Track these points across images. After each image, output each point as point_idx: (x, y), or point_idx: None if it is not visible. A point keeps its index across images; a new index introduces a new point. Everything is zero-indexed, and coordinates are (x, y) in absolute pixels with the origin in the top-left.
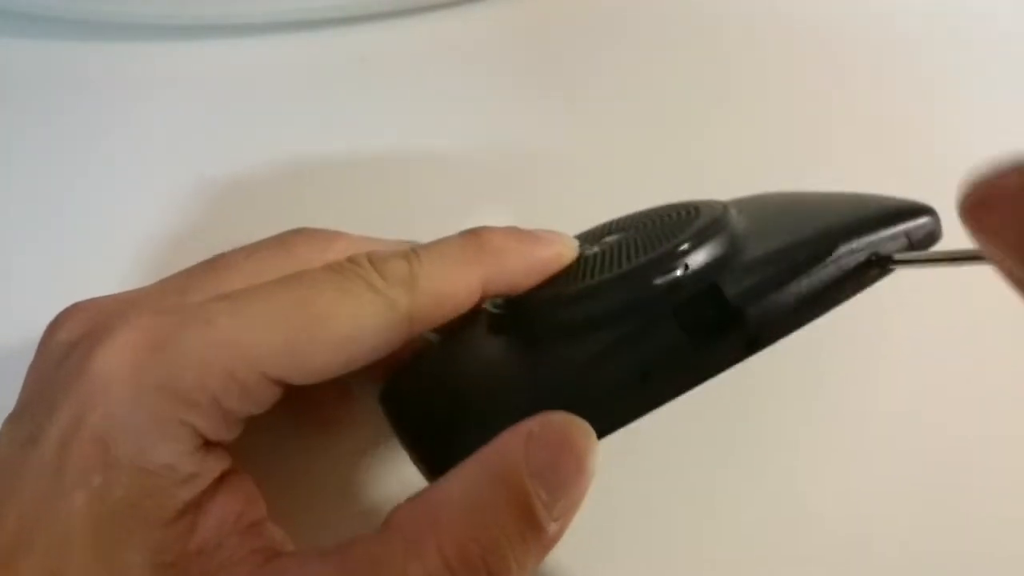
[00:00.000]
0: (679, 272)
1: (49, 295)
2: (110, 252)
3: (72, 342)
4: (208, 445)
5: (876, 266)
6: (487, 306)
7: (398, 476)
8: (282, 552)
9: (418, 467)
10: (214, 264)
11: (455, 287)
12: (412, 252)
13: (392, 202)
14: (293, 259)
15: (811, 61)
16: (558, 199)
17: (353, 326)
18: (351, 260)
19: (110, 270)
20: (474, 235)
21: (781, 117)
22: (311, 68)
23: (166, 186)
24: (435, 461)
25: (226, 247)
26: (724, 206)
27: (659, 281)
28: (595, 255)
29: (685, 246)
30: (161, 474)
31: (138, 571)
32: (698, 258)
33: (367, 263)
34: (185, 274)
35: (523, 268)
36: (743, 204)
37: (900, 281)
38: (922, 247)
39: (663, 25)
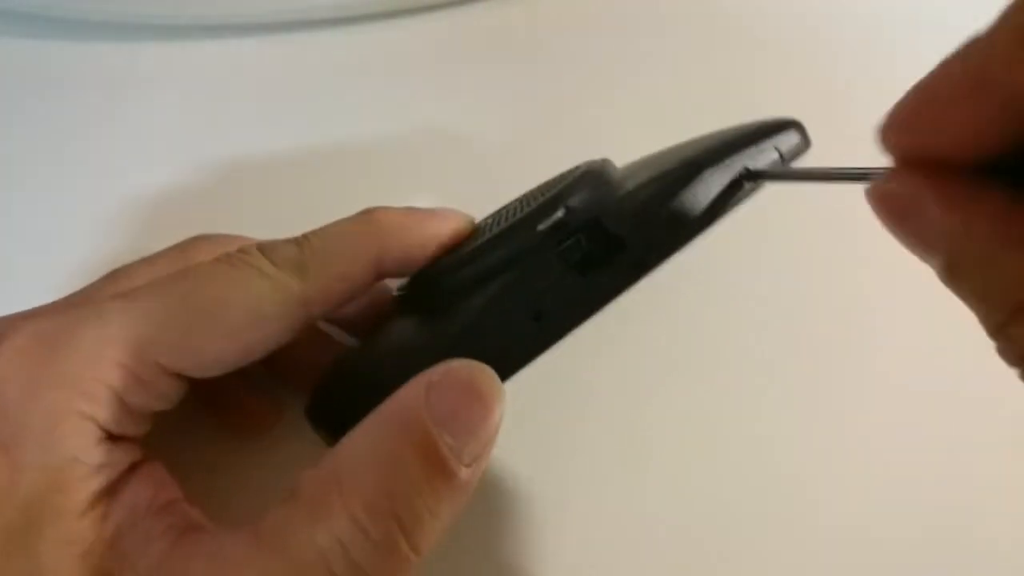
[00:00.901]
0: (560, 214)
1: (47, 294)
2: (109, 250)
3: None
4: (114, 438)
5: (748, 179)
6: (395, 292)
7: None
8: (197, 527)
9: None
10: (114, 275)
11: (348, 266)
12: (303, 236)
13: (391, 201)
14: (191, 264)
15: (811, 67)
16: None
17: (245, 313)
18: (241, 250)
19: (109, 268)
20: (365, 214)
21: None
22: (311, 68)
23: (165, 185)
24: None
25: None
26: (604, 159)
27: (542, 226)
28: (488, 223)
29: (564, 192)
30: (66, 468)
31: (54, 564)
32: (576, 200)
33: (256, 251)
34: (84, 288)
35: (419, 243)
36: (633, 162)
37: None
38: (792, 157)
39: (663, 26)
